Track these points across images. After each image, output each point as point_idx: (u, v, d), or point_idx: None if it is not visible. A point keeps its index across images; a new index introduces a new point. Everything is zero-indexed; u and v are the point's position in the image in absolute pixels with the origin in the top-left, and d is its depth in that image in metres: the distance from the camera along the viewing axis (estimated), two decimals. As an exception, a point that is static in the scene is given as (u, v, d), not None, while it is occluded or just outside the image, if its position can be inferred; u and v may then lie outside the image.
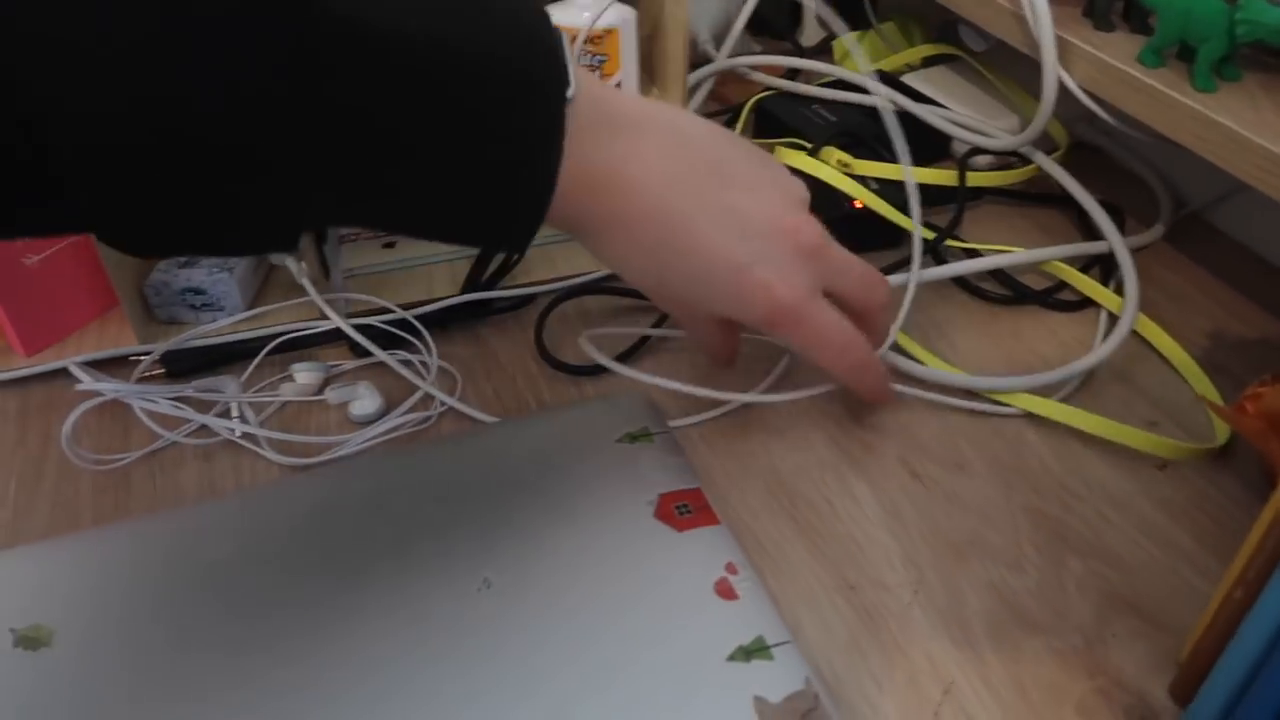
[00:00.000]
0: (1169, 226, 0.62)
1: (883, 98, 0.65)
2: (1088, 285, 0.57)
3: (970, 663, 0.40)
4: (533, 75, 0.29)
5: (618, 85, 0.55)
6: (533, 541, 0.41)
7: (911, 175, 0.53)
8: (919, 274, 0.53)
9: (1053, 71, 0.54)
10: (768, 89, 0.72)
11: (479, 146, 0.29)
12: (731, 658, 0.37)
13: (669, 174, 0.36)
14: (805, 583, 0.43)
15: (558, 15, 0.54)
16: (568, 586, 0.39)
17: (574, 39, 0.54)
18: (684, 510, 0.43)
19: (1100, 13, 0.54)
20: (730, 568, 0.41)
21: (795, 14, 0.79)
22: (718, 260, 0.38)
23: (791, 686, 0.36)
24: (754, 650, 0.38)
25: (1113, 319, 0.56)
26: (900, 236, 0.61)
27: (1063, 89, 0.54)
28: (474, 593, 0.39)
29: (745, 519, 0.46)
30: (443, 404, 0.51)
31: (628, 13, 0.55)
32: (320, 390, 0.51)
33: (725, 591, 0.40)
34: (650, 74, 0.56)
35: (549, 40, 0.30)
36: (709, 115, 0.74)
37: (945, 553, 0.44)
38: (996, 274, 0.58)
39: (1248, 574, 0.34)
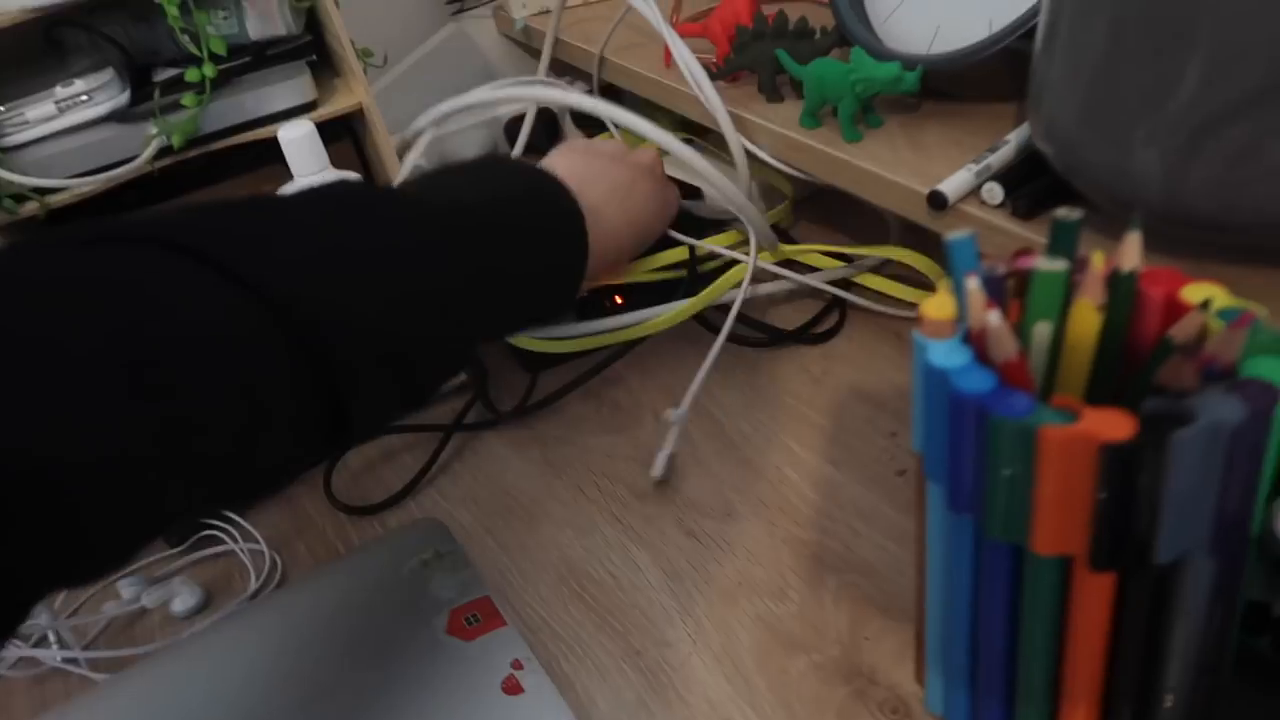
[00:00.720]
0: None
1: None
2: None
3: (743, 695, 0.44)
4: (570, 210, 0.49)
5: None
6: (339, 687, 0.45)
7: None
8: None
9: (736, 143, 0.60)
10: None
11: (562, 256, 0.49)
12: (518, 749, 0.41)
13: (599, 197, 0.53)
14: (596, 658, 0.47)
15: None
16: (370, 721, 0.43)
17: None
18: (472, 620, 0.47)
19: (767, 87, 0.61)
20: (516, 664, 0.45)
21: (553, 128, 0.85)
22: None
23: (570, 761, 0.40)
24: (538, 737, 0.42)
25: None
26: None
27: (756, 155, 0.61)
28: (283, 749, 0.42)
29: (539, 611, 0.50)
30: (259, 577, 0.54)
31: (352, 177, 0.60)
32: (138, 597, 0.54)
33: (512, 688, 0.44)
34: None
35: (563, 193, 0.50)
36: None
37: (718, 599, 0.49)
38: (756, 323, 0.64)
39: (920, 559, 0.39)
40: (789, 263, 0.67)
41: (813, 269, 0.68)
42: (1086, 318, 0.32)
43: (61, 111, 0.55)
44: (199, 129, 0.57)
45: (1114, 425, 0.28)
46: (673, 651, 0.47)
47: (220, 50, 0.57)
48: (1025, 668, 0.35)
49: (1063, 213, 0.32)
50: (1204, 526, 0.29)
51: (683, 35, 0.63)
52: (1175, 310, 0.32)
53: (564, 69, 0.85)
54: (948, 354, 0.32)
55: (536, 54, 0.84)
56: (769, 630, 0.47)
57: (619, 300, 0.66)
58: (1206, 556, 0.30)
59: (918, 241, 0.67)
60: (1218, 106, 0.35)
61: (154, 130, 0.56)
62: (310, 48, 0.62)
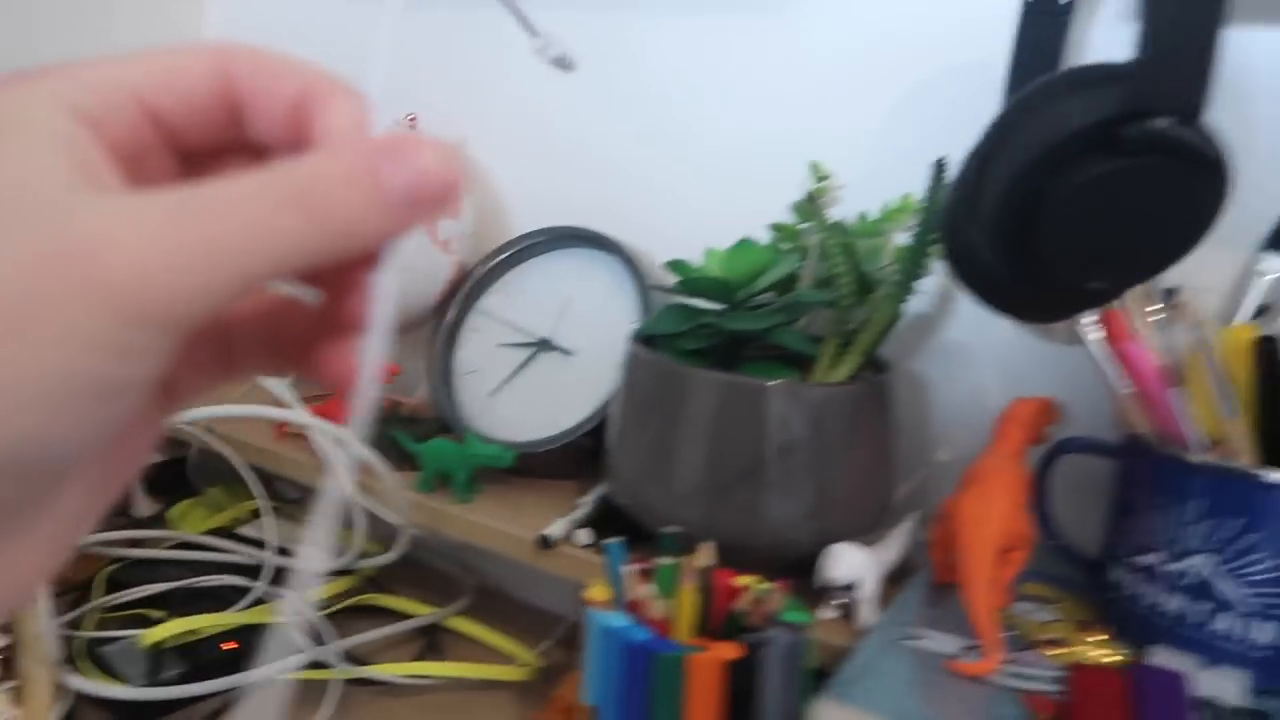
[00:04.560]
0: (472, 598, 0.83)
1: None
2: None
3: None
4: None
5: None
6: None
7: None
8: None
9: (357, 504, 0.72)
10: (116, 560, 0.79)
11: None
12: None
13: None
14: None
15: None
16: None
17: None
18: None
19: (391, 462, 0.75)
20: None
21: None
22: None
23: None
24: None
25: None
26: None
27: (374, 516, 0.73)
28: None
29: None
30: None
31: None
32: None
33: None
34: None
35: None
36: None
37: None
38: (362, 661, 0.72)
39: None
40: (379, 610, 0.77)
41: (404, 616, 0.79)
42: (689, 595, 0.50)
43: None
44: None
45: (730, 650, 0.45)
46: None
47: None
48: None
49: (669, 529, 0.51)
50: (782, 716, 0.46)
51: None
52: (732, 590, 0.51)
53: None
54: (616, 621, 0.47)
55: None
56: None
57: (232, 645, 0.70)
58: (780, 743, 0.47)
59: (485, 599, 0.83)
60: (719, 482, 0.58)
61: None
62: None
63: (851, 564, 0.55)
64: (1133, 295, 0.50)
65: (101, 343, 0.18)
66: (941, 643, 0.54)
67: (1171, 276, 0.47)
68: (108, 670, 0.66)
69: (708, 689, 0.45)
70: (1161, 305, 0.51)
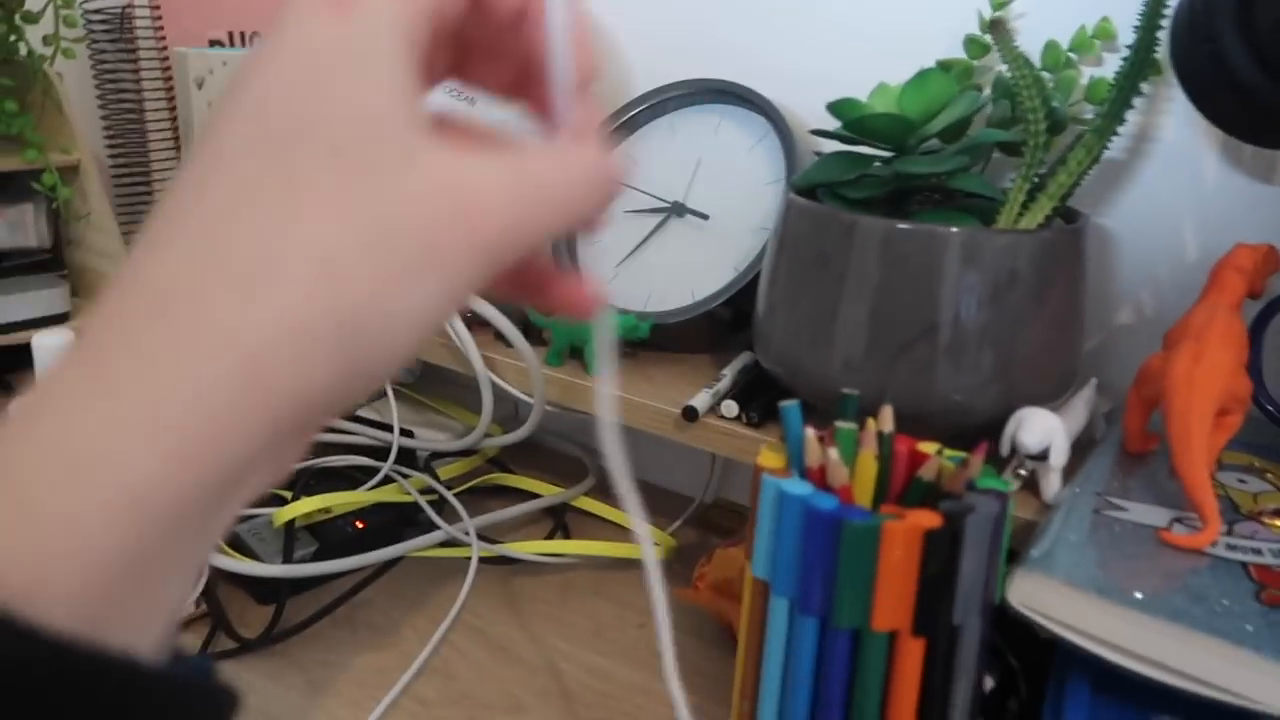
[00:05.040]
0: (596, 478, 0.80)
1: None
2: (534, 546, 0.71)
3: None
4: None
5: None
6: None
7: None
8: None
9: (486, 380, 0.69)
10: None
11: None
12: None
13: None
14: None
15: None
16: None
17: None
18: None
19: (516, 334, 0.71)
20: None
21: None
22: None
23: None
24: None
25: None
26: (400, 532, 0.69)
27: (499, 392, 0.70)
28: None
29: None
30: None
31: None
32: None
33: None
34: None
35: None
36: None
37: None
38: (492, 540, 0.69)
39: (745, 689, 0.47)
40: (504, 490, 0.75)
41: (530, 496, 0.76)
42: (867, 461, 0.45)
43: None
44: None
45: (928, 518, 0.40)
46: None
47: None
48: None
49: (849, 390, 0.46)
50: (979, 592, 0.42)
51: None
52: (915, 456, 0.46)
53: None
54: (796, 487, 0.43)
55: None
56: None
57: (360, 525, 0.68)
58: (977, 618, 0.42)
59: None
60: (891, 344, 0.53)
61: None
62: (56, 263, 0.60)
63: (1045, 429, 0.49)
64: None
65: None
66: (1145, 514, 0.48)
67: None
68: (241, 548, 0.65)
69: (903, 560, 0.40)
70: None
